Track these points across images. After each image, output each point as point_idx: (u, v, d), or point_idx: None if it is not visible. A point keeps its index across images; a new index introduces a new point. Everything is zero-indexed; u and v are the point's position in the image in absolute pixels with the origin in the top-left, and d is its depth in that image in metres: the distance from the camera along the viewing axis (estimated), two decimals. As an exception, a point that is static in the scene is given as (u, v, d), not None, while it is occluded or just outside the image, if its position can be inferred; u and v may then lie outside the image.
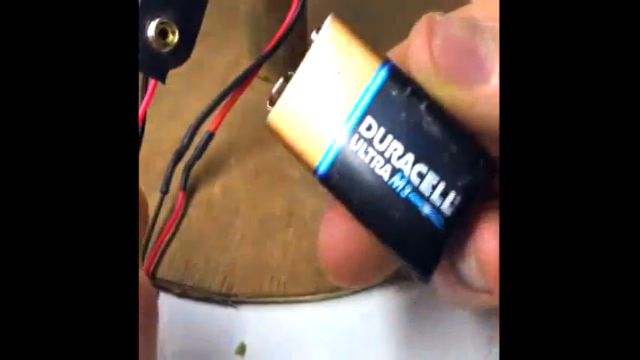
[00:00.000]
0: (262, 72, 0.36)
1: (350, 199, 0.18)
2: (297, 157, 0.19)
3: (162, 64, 0.20)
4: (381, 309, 0.30)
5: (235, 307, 0.30)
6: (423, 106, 0.18)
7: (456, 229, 0.18)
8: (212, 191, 0.33)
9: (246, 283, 0.30)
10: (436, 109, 0.18)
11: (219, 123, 0.28)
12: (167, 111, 0.34)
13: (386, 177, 0.18)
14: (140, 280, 0.17)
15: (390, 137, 0.18)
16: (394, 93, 0.18)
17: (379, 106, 0.18)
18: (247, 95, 0.36)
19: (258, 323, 0.30)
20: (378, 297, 0.30)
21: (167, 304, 0.30)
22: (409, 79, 0.18)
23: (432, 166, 0.18)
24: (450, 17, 0.18)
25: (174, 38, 0.20)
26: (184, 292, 0.30)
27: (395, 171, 0.18)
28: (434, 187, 0.18)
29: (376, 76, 0.18)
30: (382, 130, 0.18)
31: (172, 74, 0.37)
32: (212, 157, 0.34)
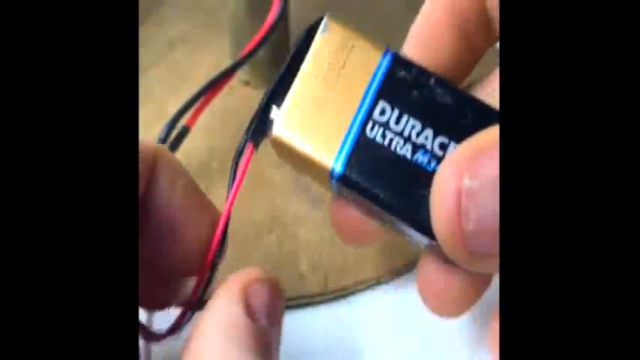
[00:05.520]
0: (243, 76, 0.36)
1: (376, 192, 0.18)
2: (311, 164, 0.18)
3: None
4: (363, 316, 0.30)
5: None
6: (432, 81, 0.18)
7: None
8: (193, 196, 0.33)
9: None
10: (445, 81, 0.18)
11: (195, 119, 0.28)
12: (150, 115, 0.34)
13: (409, 155, 0.18)
14: None
15: (405, 116, 0.18)
16: (402, 74, 0.18)
17: (390, 89, 0.18)
18: (228, 100, 0.36)
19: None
20: (360, 304, 0.30)
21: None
22: (412, 61, 0.18)
23: (452, 136, 0.18)
24: (484, 178, 0.16)
25: None
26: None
27: (417, 147, 0.18)
28: None
29: (382, 61, 0.18)
30: (397, 110, 0.18)
31: (154, 78, 0.37)
32: (193, 161, 0.33)
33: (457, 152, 0.17)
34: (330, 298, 0.30)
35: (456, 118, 0.18)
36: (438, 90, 0.18)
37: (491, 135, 0.16)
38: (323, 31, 0.18)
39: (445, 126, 0.18)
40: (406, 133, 0.18)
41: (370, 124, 0.18)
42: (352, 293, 0.30)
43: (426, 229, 0.18)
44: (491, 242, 0.16)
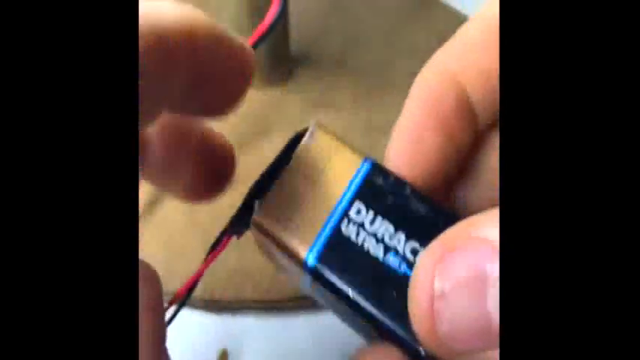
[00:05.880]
0: (244, 77, 0.36)
1: (345, 288, 0.18)
2: (286, 251, 0.19)
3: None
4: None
5: (217, 313, 0.30)
6: (408, 191, 0.19)
7: None
8: (194, 197, 0.33)
9: (228, 289, 0.30)
10: (419, 193, 0.19)
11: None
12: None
13: (380, 256, 0.18)
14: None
15: (379, 218, 0.19)
16: (380, 181, 0.19)
17: (367, 193, 0.19)
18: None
19: (240, 330, 0.30)
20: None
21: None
22: (390, 171, 0.19)
23: (422, 243, 0.18)
24: (455, 274, 0.16)
25: None
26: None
27: (388, 249, 0.18)
28: None
29: (361, 167, 0.19)
30: (372, 212, 0.19)
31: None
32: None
33: (427, 252, 0.17)
34: (331, 298, 0.30)
35: (428, 226, 0.19)
36: (413, 200, 0.19)
37: (457, 233, 0.16)
38: (309, 138, 0.20)
39: (417, 232, 0.19)
40: (379, 235, 0.19)
41: (346, 221, 0.19)
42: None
43: (390, 331, 0.18)
44: (470, 341, 0.16)
